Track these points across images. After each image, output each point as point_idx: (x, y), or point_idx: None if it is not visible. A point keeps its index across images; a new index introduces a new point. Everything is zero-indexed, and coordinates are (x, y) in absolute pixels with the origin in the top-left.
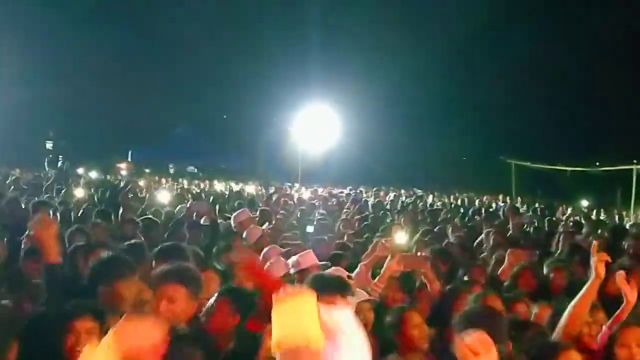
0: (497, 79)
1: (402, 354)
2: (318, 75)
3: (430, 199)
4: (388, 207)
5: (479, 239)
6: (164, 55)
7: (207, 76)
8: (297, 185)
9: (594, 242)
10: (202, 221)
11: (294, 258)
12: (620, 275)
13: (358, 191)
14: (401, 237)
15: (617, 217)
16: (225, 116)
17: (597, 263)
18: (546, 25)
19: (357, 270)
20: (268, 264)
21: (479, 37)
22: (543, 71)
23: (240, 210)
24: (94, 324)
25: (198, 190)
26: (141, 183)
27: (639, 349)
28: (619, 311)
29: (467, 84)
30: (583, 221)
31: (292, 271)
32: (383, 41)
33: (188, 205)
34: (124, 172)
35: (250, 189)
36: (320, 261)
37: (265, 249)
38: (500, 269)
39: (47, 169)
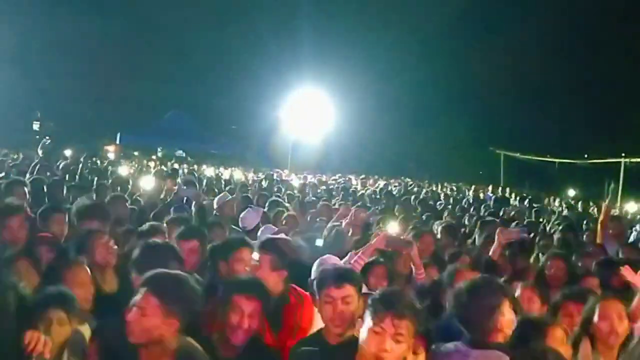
0: (489, 70)
1: None
2: (310, 63)
3: (420, 188)
4: (378, 196)
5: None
6: (154, 39)
7: (198, 60)
8: (286, 171)
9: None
10: (192, 207)
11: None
12: (627, 269)
13: (347, 179)
14: (396, 228)
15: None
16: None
17: (634, 280)
18: (537, 17)
19: (348, 258)
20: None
21: (471, 28)
22: (534, 63)
23: (221, 195)
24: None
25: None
26: (125, 168)
27: (620, 321)
28: (635, 302)
29: (458, 75)
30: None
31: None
32: (374, 31)
33: (177, 190)
34: (111, 155)
35: (238, 174)
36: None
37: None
38: (491, 249)
39: (39, 152)
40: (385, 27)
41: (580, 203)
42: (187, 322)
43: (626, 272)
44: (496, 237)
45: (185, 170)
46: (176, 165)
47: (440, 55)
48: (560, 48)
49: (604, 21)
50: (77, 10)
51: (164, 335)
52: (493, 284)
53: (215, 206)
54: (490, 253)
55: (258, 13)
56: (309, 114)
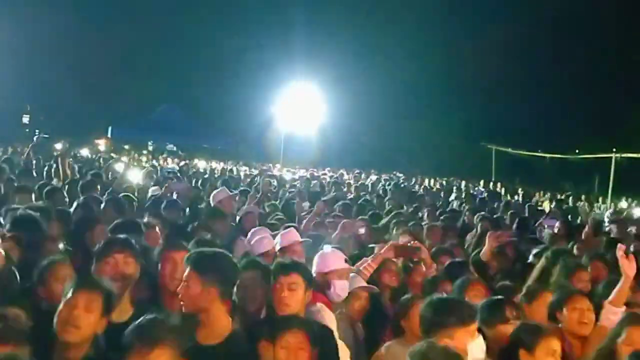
0: (481, 65)
1: (408, 340)
2: (302, 58)
3: (412, 182)
4: (369, 190)
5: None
6: (147, 33)
7: (191, 55)
8: (278, 166)
9: (620, 246)
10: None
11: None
12: (620, 249)
13: (339, 174)
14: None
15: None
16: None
17: (622, 261)
18: (529, 12)
19: (361, 262)
20: (253, 241)
21: (463, 22)
22: (525, 58)
23: (219, 189)
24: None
25: (177, 168)
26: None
27: (589, 312)
28: (619, 285)
29: (450, 70)
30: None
31: (276, 248)
32: (366, 25)
33: (167, 184)
34: (102, 148)
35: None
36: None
37: (253, 230)
38: (482, 251)
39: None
40: (377, 22)
41: (571, 198)
42: (226, 290)
43: (620, 253)
44: (487, 240)
45: (175, 165)
46: (169, 160)
47: (432, 50)
48: (552, 44)
49: (594, 16)
50: (68, 4)
51: (207, 304)
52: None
53: (213, 202)
54: (481, 254)
55: (251, 8)
56: (301, 108)
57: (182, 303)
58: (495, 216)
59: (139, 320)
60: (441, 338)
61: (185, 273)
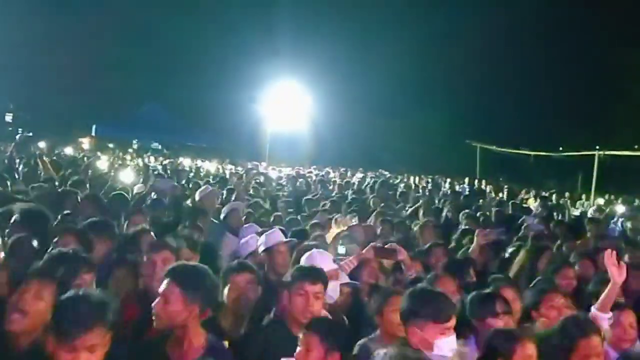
0: (465, 63)
1: (379, 340)
2: (287, 56)
3: (398, 180)
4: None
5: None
6: (130, 31)
7: (175, 52)
8: (264, 164)
9: (608, 252)
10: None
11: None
12: (608, 254)
13: (325, 172)
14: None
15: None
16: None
17: (611, 268)
18: (512, 10)
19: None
20: (241, 242)
21: (446, 20)
22: (510, 57)
23: (203, 187)
24: None
25: (160, 167)
26: (103, 161)
27: (565, 309)
28: (606, 291)
29: (434, 68)
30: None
31: (261, 249)
32: (350, 23)
33: (152, 182)
34: (86, 147)
35: (212, 166)
36: None
37: (244, 227)
38: (470, 249)
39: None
40: (362, 21)
41: (555, 195)
42: (207, 308)
43: (607, 258)
44: (475, 238)
45: (159, 164)
46: (151, 158)
47: (416, 48)
48: (536, 43)
49: (578, 15)
50: (52, 2)
51: (186, 321)
52: None
53: (197, 198)
54: (470, 251)
55: (235, 5)
56: (287, 106)
57: (155, 317)
58: (479, 214)
59: (63, 302)
60: (412, 328)
61: (165, 287)
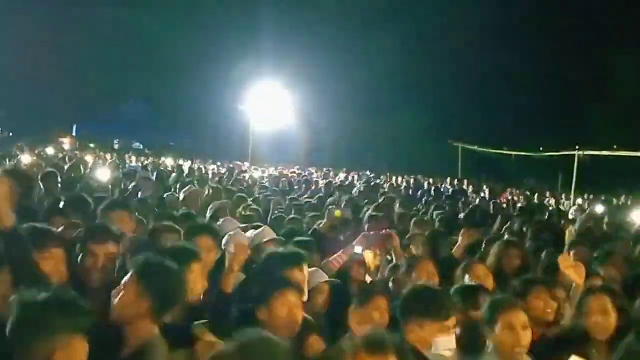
0: (447, 64)
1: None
2: (269, 56)
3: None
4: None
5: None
6: (112, 30)
7: (157, 52)
8: (247, 164)
9: (564, 254)
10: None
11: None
12: (564, 259)
13: (308, 172)
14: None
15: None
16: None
17: (570, 272)
18: (494, 9)
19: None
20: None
21: (431, 21)
22: (491, 57)
23: (187, 187)
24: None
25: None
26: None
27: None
28: (572, 294)
29: (416, 68)
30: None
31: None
32: (332, 24)
33: (134, 183)
34: (67, 147)
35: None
36: None
37: (221, 221)
38: (455, 247)
39: None
40: (343, 21)
41: (536, 195)
42: (161, 309)
43: (563, 264)
44: (460, 237)
45: (140, 163)
46: (133, 158)
47: (399, 49)
48: (518, 43)
49: (560, 15)
50: (32, 2)
51: (134, 318)
52: None
53: (181, 198)
54: (454, 250)
55: (217, 5)
56: (269, 106)
57: (113, 309)
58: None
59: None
60: (411, 325)
61: (129, 276)
